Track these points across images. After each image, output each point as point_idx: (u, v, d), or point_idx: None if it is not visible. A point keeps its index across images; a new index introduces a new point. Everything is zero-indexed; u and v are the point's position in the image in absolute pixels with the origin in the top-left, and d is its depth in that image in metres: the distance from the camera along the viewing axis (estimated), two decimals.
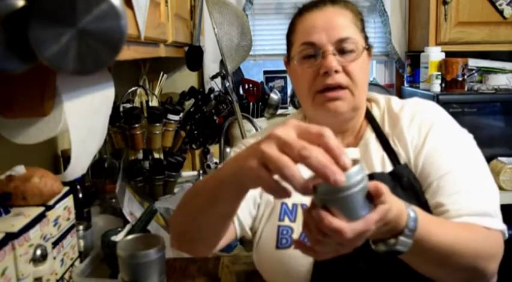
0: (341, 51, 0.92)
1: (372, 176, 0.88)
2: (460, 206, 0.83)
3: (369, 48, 0.98)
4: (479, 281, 0.80)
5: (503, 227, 0.85)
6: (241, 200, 0.73)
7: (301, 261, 0.90)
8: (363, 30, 0.98)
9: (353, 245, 0.62)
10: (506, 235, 0.85)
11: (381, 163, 0.94)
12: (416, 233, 0.69)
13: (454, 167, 0.88)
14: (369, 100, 1.03)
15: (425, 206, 0.87)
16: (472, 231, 0.80)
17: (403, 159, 0.93)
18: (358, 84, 0.93)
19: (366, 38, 0.98)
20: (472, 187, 0.86)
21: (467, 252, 0.76)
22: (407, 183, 0.89)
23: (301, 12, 0.97)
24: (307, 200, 0.95)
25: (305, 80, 0.94)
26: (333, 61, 0.90)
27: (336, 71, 0.90)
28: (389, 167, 0.92)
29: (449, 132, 0.94)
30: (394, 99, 1.01)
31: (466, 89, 2.00)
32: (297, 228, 0.92)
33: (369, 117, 1.00)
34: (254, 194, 0.97)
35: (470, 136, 0.96)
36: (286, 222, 0.93)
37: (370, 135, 0.97)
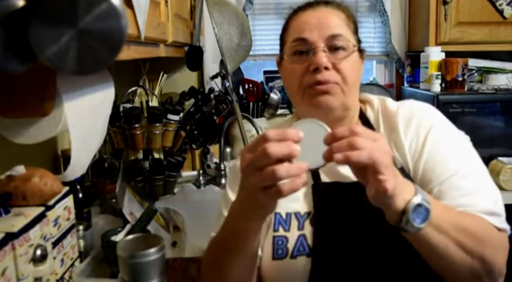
0: (332, 48, 0.91)
1: None
2: (467, 208, 0.83)
3: (361, 50, 0.97)
4: (487, 277, 0.79)
5: (508, 226, 0.85)
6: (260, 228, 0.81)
7: (297, 271, 0.90)
8: (355, 32, 0.97)
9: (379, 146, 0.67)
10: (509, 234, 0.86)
11: None
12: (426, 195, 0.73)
13: (455, 171, 0.87)
14: (362, 101, 1.02)
15: None
16: (477, 219, 0.81)
17: (399, 163, 0.92)
18: (348, 83, 0.92)
19: (359, 41, 0.98)
20: (476, 189, 0.86)
21: (473, 235, 0.77)
22: None
23: (296, 12, 0.98)
24: (300, 209, 0.96)
25: (295, 77, 0.93)
26: (323, 58, 0.90)
27: (326, 68, 0.90)
28: None
29: (448, 137, 0.93)
30: (389, 101, 1.00)
31: (466, 89, 2.00)
32: (292, 237, 0.92)
33: (363, 119, 0.99)
34: None
35: (467, 138, 0.96)
36: (281, 232, 0.93)
37: None
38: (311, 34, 0.92)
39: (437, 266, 0.80)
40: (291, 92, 0.98)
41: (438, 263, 0.79)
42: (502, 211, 0.86)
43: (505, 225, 0.84)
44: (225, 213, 0.95)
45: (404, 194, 0.70)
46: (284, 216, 0.94)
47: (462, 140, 0.95)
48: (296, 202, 0.94)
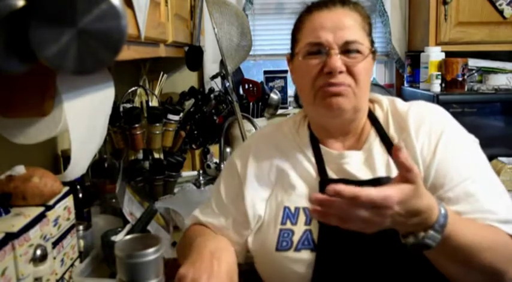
0: (346, 51, 0.91)
1: (378, 181, 0.88)
2: (481, 215, 0.83)
3: (374, 52, 0.97)
4: None
5: None
6: None
7: (300, 264, 0.90)
8: (369, 34, 0.97)
9: (373, 221, 0.69)
10: None
11: (386, 167, 0.92)
12: (445, 229, 0.73)
13: (467, 176, 0.87)
14: (371, 101, 1.02)
15: None
16: (495, 234, 0.81)
17: None
18: (361, 86, 0.92)
19: (372, 42, 0.97)
20: (489, 195, 0.86)
21: (489, 253, 0.77)
22: None
23: (310, 10, 0.96)
24: (308, 205, 0.96)
25: (308, 78, 0.93)
26: (338, 61, 0.89)
27: (340, 72, 0.90)
28: (394, 171, 0.90)
29: (459, 141, 0.93)
30: (399, 102, 1.00)
31: (466, 89, 2.00)
32: (298, 231, 0.92)
33: (372, 118, 0.99)
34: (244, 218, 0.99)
35: (477, 141, 0.96)
36: (288, 225, 0.94)
37: (374, 139, 0.96)
38: (326, 37, 0.91)
39: (447, 276, 0.83)
40: (302, 91, 0.97)
41: (448, 273, 0.82)
42: None
43: None
44: (214, 205, 1.02)
45: (408, 228, 0.74)
46: (293, 210, 0.95)
47: (473, 143, 0.95)
48: (305, 197, 0.94)
